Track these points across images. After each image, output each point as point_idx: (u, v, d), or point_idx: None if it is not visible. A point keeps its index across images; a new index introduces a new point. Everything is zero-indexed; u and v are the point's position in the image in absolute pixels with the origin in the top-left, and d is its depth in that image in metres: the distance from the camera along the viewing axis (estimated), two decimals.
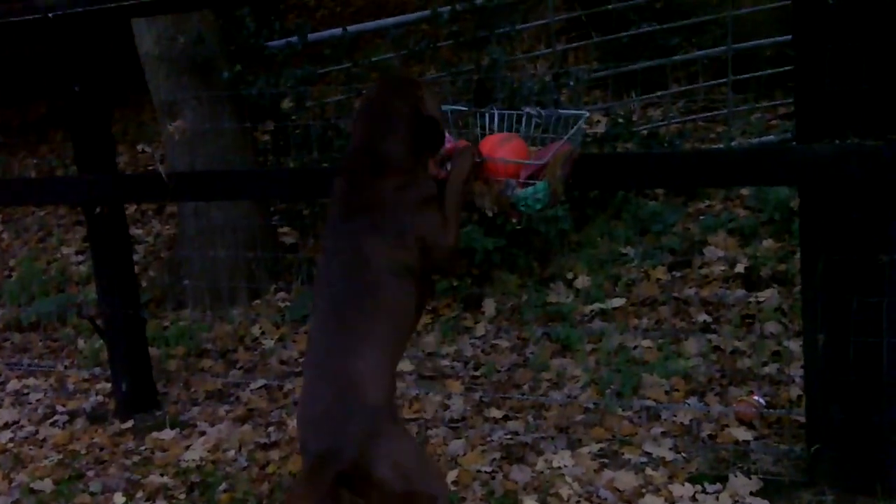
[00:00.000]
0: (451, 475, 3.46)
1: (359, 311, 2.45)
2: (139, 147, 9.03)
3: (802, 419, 3.26)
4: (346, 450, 2.23)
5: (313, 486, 2.21)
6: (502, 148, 2.87)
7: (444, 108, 3.11)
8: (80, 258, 6.85)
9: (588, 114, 3.23)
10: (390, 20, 6.42)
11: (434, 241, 2.57)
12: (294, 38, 5.82)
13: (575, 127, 2.96)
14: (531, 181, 2.80)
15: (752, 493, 3.14)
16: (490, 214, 2.89)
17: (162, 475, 3.84)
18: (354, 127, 2.72)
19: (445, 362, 4.54)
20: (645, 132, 6.04)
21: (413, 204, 2.57)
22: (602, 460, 3.47)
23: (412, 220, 2.55)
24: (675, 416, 3.70)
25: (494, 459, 3.57)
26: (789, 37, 3.07)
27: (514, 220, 3.15)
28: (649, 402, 3.82)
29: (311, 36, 5.97)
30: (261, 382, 4.61)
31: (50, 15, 4.03)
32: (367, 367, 2.36)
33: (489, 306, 4.98)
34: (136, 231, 7.07)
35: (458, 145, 2.85)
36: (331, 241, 2.61)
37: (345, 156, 2.78)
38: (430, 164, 2.85)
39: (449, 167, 2.79)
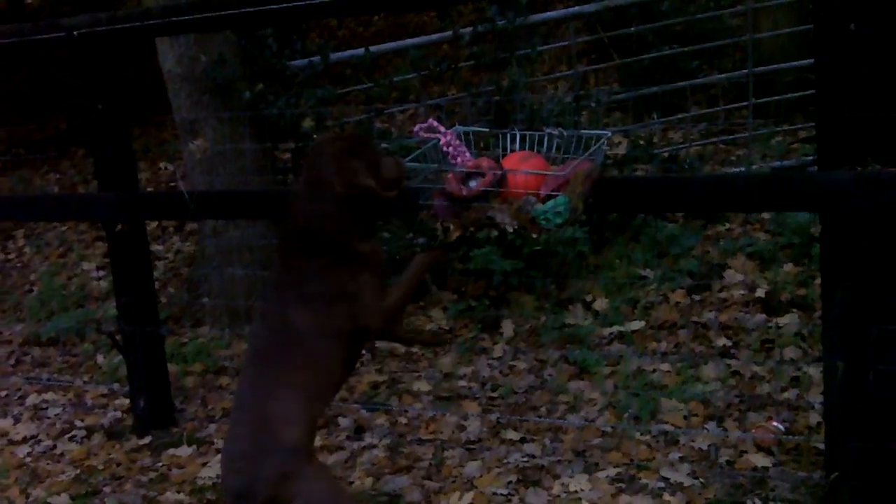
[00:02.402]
0: (467, 497, 3.44)
1: (280, 364, 2.68)
2: (161, 164, 9.10)
3: (821, 446, 3.23)
4: (259, 489, 2.46)
5: None
6: (524, 165, 2.88)
7: (464, 129, 3.13)
8: (101, 274, 6.88)
9: (610, 133, 3.23)
10: (411, 41, 6.45)
11: (364, 312, 2.73)
12: (316, 58, 5.85)
13: (596, 145, 2.95)
14: (552, 193, 2.80)
15: None
16: (510, 230, 2.88)
17: (178, 492, 3.85)
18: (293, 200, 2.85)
19: (462, 383, 4.52)
20: (665, 154, 6.04)
21: (342, 280, 2.72)
22: (619, 485, 3.45)
23: (341, 293, 2.71)
24: (693, 441, 3.68)
25: (510, 482, 3.55)
26: (810, 61, 3.06)
27: (533, 236, 3.15)
28: (667, 427, 3.80)
29: (333, 56, 6.00)
30: None
31: (76, 33, 4.08)
32: (283, 411, 2.60)
33: (507, 328, 4.97)
34: (156, 247, 7.11)
35: (482, 163, 2.86)
36: (263, 307, 2.89)
37: (282, 232, 2.98)
38: (451, 180, 2.87)
39: (472, 185, 2.81)
